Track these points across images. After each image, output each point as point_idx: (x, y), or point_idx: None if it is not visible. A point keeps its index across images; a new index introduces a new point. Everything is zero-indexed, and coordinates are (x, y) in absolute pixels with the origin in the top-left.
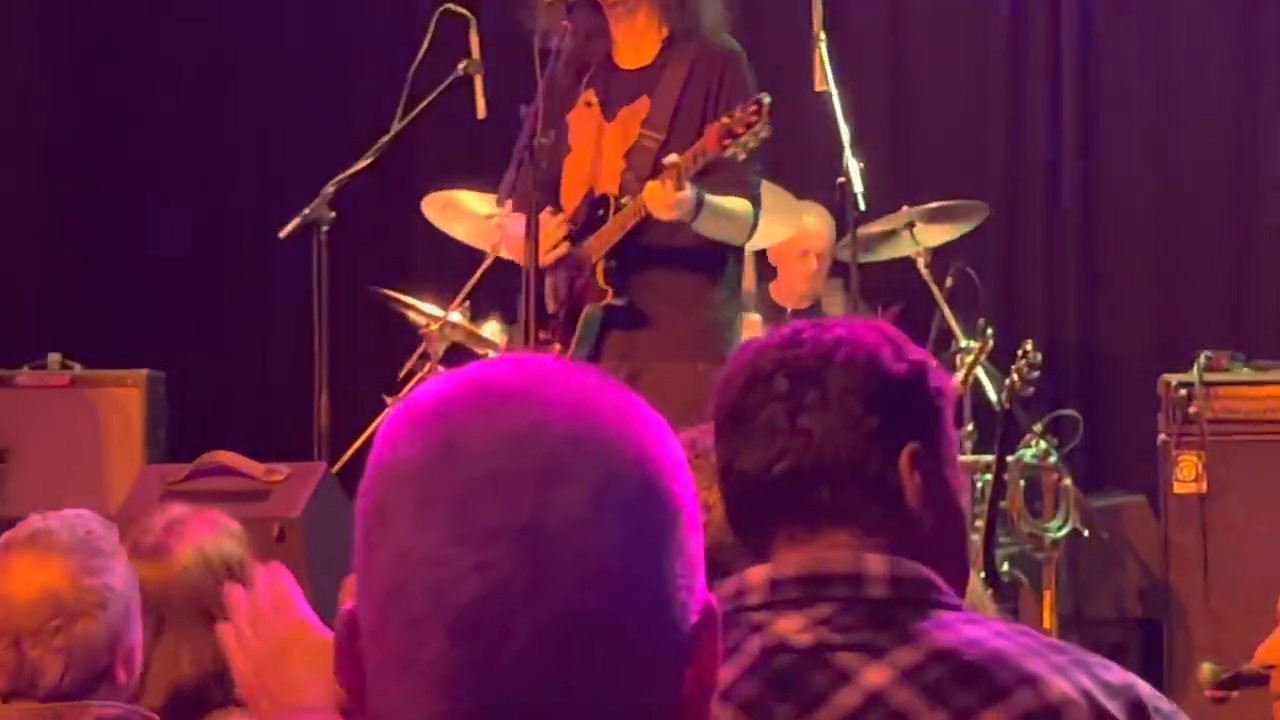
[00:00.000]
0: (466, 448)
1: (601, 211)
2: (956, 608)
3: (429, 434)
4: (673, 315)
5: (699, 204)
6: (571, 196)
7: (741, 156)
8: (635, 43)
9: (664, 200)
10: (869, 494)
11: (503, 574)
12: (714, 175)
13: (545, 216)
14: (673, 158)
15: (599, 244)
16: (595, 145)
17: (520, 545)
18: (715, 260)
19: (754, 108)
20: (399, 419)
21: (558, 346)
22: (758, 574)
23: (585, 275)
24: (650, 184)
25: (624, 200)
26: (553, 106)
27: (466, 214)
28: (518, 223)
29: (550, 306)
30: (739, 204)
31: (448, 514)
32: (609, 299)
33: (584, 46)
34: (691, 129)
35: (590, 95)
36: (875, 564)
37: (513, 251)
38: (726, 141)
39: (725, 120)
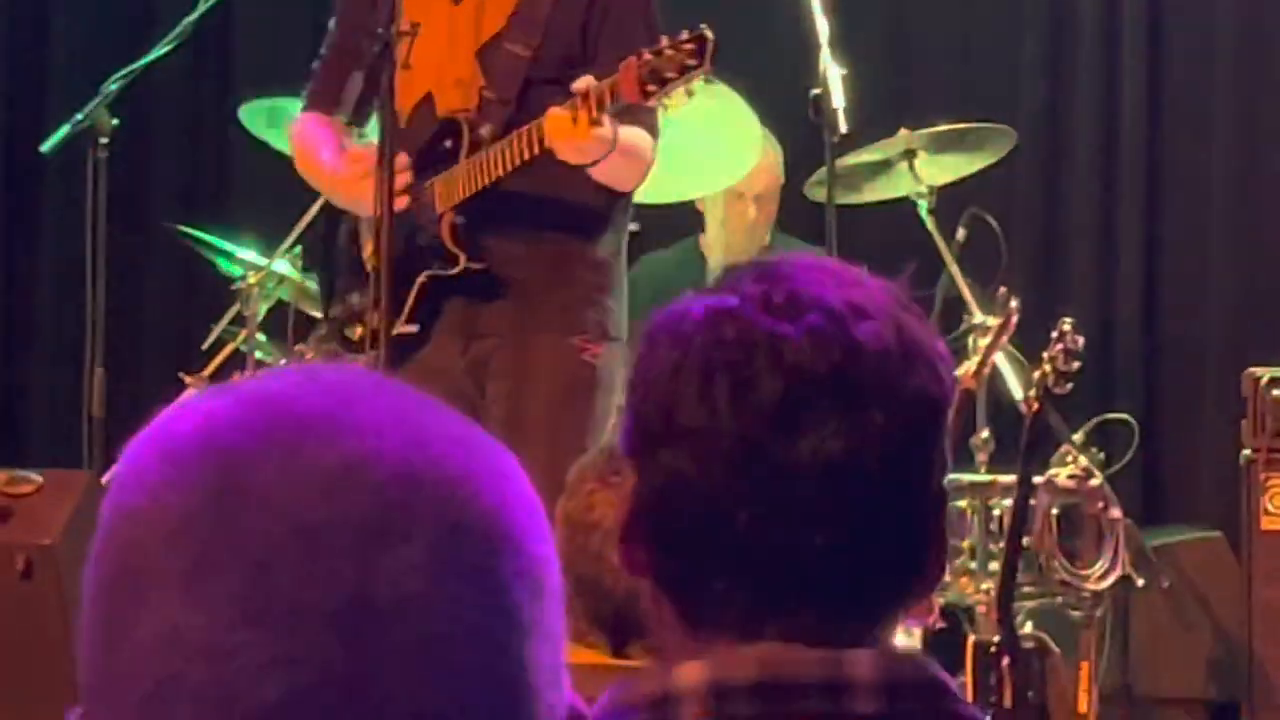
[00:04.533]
0: (257, 493)
1: (449, 143)
2: (975, 718)
3: (201, 473)
4: (538, 280)
5: (614, 144)
6: (403, 106)
7: (666, 108)
8: None
9: (577, 139)
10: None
11: (316, 669)
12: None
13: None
14: (586, 82)
15: (447, 190)
16: (444, 37)
17: (339, 628)
18: (599, 208)
19: (690, 45)
20: (150, 451)
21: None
22: (691, 675)
23: (424, 228)
24: (555, 112)
25: (484, 131)
26: None
27: None
28: (315, 132)
29: (369, 261)
30: (641, 138)
31: (235, 585)
32: (463, 265)
33: None
34: (564, 45)
35: None
36: (864, 666)
37: (308, 170)
38: (650, 88)
39: (649, 58)
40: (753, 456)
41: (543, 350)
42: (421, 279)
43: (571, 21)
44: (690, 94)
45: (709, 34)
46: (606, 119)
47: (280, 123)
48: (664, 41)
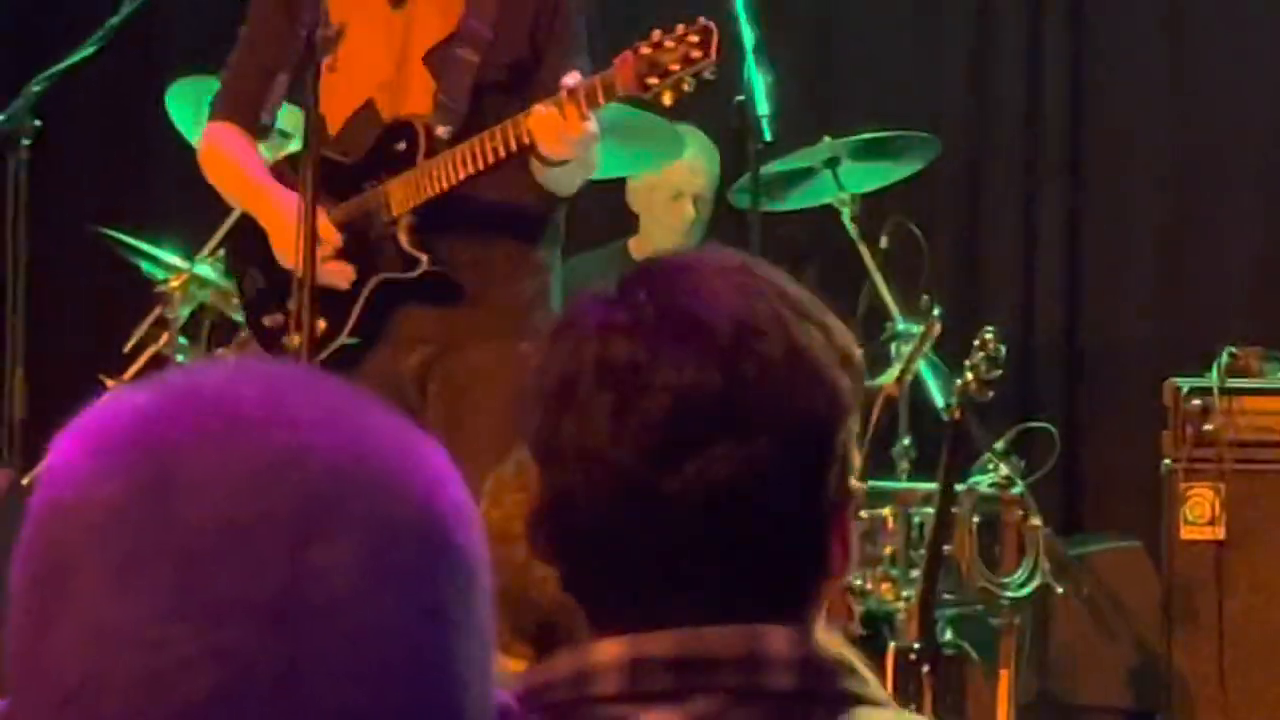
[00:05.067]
0: (186, 486)
1: (404, 145)
2: (877, 702)
3: (128, 466)
4: (486, 285)
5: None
6: (333, 111)
7: (668, 101)
8: None
9: (568, 134)
10: (795, 554)
11: (245, 663)
12: (539, 93)
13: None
14: (574, 79)
15: (405, 192)
16: (382, 42)
17: (268, 623)
18: (541, 213)
19: (695, 37)
20: (79, 445)
21: (321, 324)
22: (609, 652)
23: (375, 232)
24: (540, 109)
25: (441, 132)
26: None
27: None
28: (236, 145)
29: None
30: None
31: (165, 577)
32: (425, 267)
33: None
34: (514, 50)
35: None
36: (777, 641)
37: (225, 182)
38: (652, 80)
39: (647, 51)
40: (635, 483)
41: (487, 357)
42: (374, 283)
43: (519, 26)
44: (690, 86)
45: (712, 26)
46: (593, 116)
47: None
48: (656, 35)
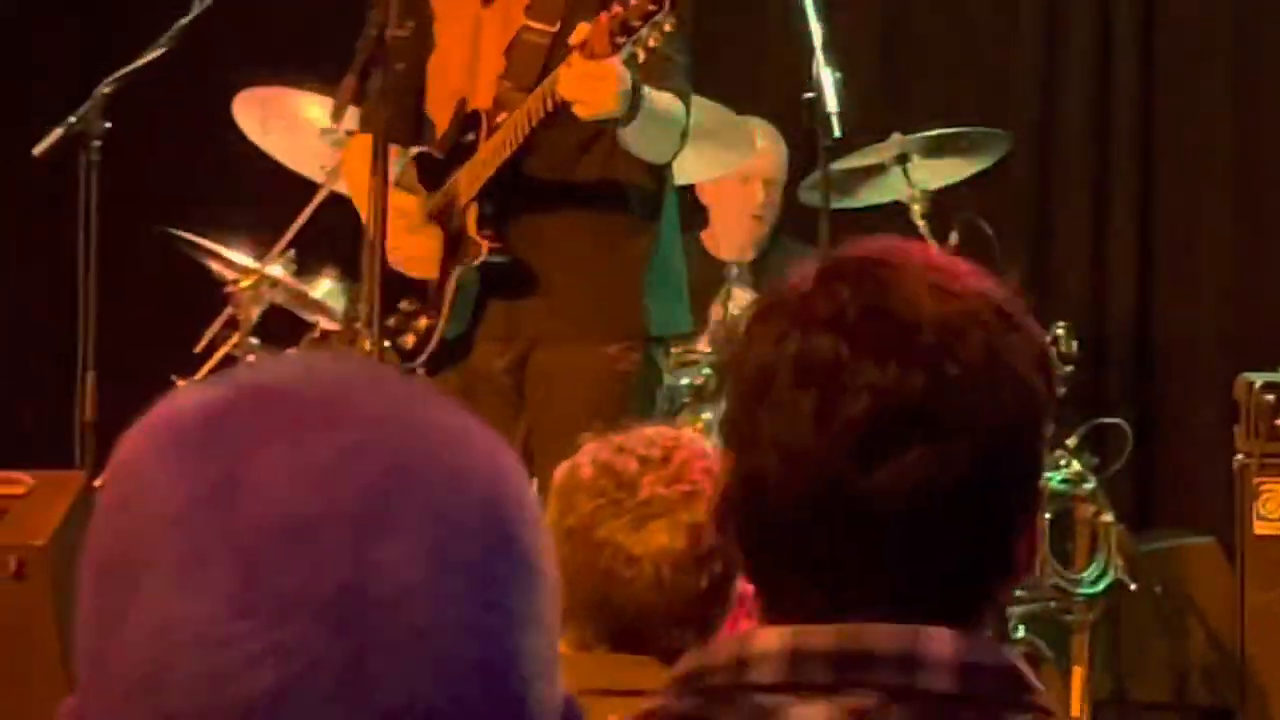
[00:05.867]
0: (252, 484)
1: (471, 135)
2: (1042, 710)
3: (196, 463)
4: (570, 276)
5: (636, 89)
6: (441, 112)
7: (641, 58)
8: None
9: (589, 76)
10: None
11: (308, 659)
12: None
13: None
14: (582, 29)
15: (469, 180)
16: (470, 40)
17: (331, 619)
18: (633, 195)
19: None
20: (146, 442)
21: (424, 321)
22: (770, 640)
23: (454, 223)
24: (562, 69)
25: (500, 119)
26: None
27: (295, 125)
28: (363, 152)
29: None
30: (671, 102)
31: (229, 575)
32: (484, 254)
33: None
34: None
35: None
36: (940, 643)
37: (357, 190)
38: (620, 39)
39: (618, 10)
40: (832, 481)
41: (574, 357)
42: (457, 274)
43: (591, 9)
44: (657, 41)
45: None
46: (615, 60)
47: (273, 115)
48: None
